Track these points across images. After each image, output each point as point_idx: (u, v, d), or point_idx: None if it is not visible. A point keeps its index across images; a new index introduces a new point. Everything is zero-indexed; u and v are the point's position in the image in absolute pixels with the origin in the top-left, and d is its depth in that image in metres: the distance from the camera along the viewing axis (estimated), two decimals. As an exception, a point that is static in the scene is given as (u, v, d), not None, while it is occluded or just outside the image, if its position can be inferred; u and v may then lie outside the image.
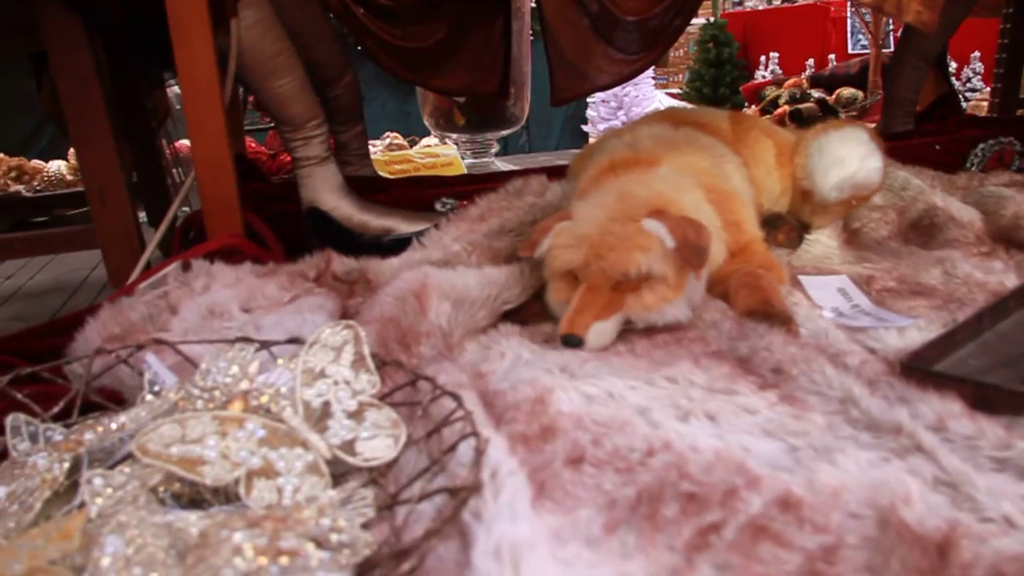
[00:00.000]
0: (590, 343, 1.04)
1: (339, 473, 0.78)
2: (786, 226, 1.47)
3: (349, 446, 0.77)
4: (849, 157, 1.40)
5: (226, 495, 0.72)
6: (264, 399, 0.79)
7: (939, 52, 2.26)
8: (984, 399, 0.84)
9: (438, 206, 1.57)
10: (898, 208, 1.60)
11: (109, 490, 0.66)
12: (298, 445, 0.75)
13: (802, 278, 1.30)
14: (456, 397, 0.79)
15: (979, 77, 5.40)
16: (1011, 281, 1.24)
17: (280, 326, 1.03)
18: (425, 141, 3.46)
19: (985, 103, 3.29)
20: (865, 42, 5.63)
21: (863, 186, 1.41)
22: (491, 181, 1.49)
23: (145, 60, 1.60)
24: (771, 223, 1.46)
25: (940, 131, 2.09)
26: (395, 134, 3.58)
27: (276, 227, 1.55)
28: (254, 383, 0.80)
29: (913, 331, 1.07)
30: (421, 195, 1.66)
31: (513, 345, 1.07)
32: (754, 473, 0.73)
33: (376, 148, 3.42)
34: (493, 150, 3.03)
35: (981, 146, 1.95)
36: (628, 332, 1.11)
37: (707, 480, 0.72)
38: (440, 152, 3.18)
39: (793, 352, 0.97)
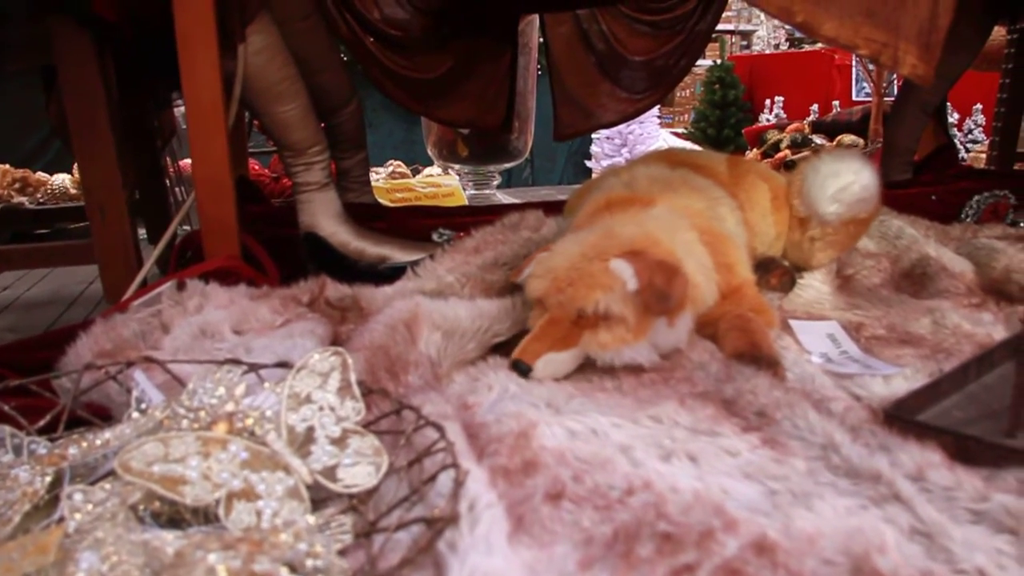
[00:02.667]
0: (538, 372, 1.06)
1: (320, 498, 0.78)
2: (779, 270, 1.48)
3: (331, 472, 0.77)
4: (844, 170, 1.42)
5: (206, 516, 0.73)
6: (249, 422, 0.79)
7: (939, 103, 2.29)
8: (964, 450, 0.84)
9: (435, 236, 1.59)
10: (891, 256, 1.61)
11: (89, 506, 0.67)
12: (280, 469, 0.75)
13: (792, 322, 1.31)
14: (439, 428, 0.79)
15: (980, 129, 5.44)
16: (999, 334, 1.25)
17: (270, 349, 1.04)
18: (428, 171, 3.48)
19: (985, 155, 3.32)
20: (869, 90, 5.69)
21: (860, 199, 1.43)
22: (489, 213, 1.50)
23: (154, 79, 1.62)
24: (764, 267, 1.47)
25: (937, 182, 2.11)
26: (398, 162, 3.60)
27: (274, 250, 1.56)
28: (239, 405, 0.81)
29: (899, 380, 1.07)
30: (419, 224, 1.68)
31: (501, 378, 1.07)
32: (731, 516, 0.73)
33: (379, 175, 3.44)
34: (495, 182, 3.05)
35: (976, 198, 1.96)
36: (615, 369, 1.11)
37: (684, 521, 0.73)
38: (442, 182, 3.19)
39: (778, 396, 0.97)
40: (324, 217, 1.51)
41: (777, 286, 1.47)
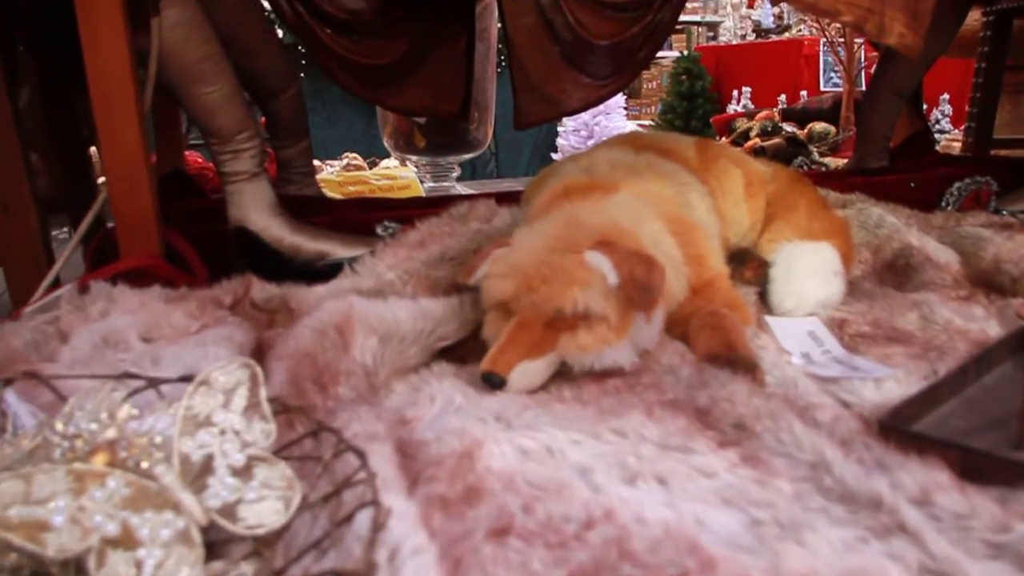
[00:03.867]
0: (513, 384, 0.93)
1: (220, 540, 0.66)
2: (753, 262, 1.37)
3: (231, 510, 0.65)
4: (810, 297, 1.26)
5: (77, 569, 0.60)
6: (134, 451, 0.66)
7: (914, 88, 2.19)
8: (973, 467, 0.73)
9: (379, 230, 1.45)
10: (872, 247, 1.51)
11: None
12: (168, 508, 0.62)
13: (769, 320, 1.20)
14: (360, 454, 0.67)
15: (948, 119, 5.39)
16: (993, 329, 1.15)
17: (180, 360, 0.91)
18: (385, 163, 3.35)
19: (956, 143, 3.25)
20: (837, 79, 5.61)
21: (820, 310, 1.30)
22: (441, 205, 1.37)
23: (77, 65, 1.47)
24: (738, 259, 1.36)
25: (915, 168, 2.02)
26: (354, 155, 3.46)
27: (211, 249, 1.43)
28: (124, 431, 0.68)
29: (891, 383, 0.96)
30: (367, 218, 1.54)
31: (445, 388, 0.95)
32: (708, 554, 0.61)
33: (334, 168, 3.31)
34: (454, 174, 2.92)
35: (957, 185, 1.87)
36: (575, 377, 0.99)
37: (653, 561, 0.61)
38: (398, 174, 3.06)
39: (758, 405, 0.86)
40: (255, 210, 1.37)
41: (752, 280, 1.35)
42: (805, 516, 0.68)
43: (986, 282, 1.36)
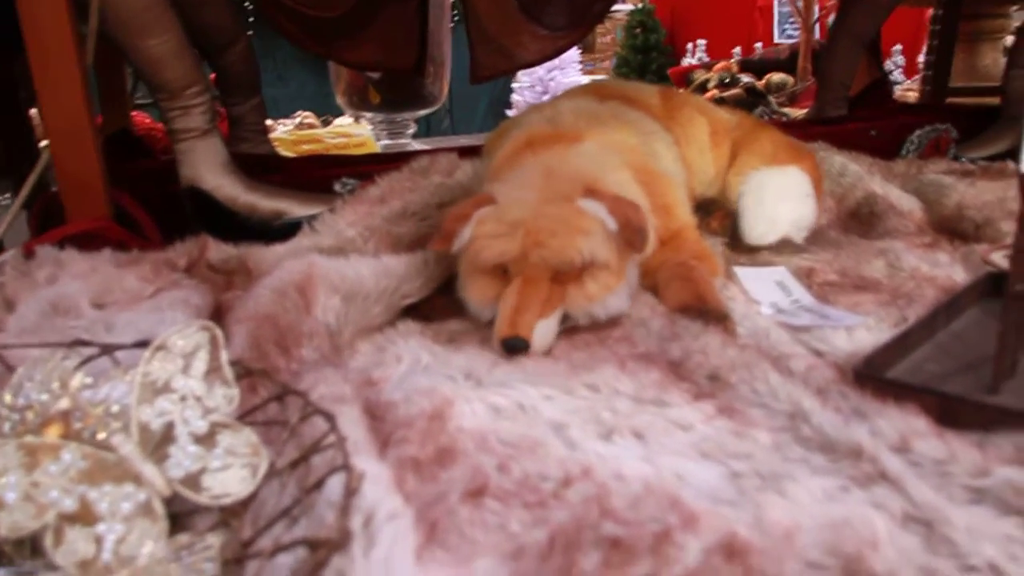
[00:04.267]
0: (536, 345, 0.90)
1: (184, 511, 0.63)
2: (720, 212, 1.35)
3: (195, 479, 0.62)
4: (782, 219, 1.27)
5: (33, 547, 0.57)
6: (90, 421, 0.63)
7: (873, 35, 2.18)
8: (950, 412, 0.72)
9: (337, 187, 1.41)
10: (836, 195, 1.50)
11: None
12: (128, 480, 0.59)
13: (737, 270, 1.19)
14: (329, 417, 0.64)
15: (900, 70, 5.41)
16: (959, 275, 1.15)
17: (134, 326, 0.87)
18: (339, 121, 3.28)
19: (911, 93, 3.26)
20: (791, 31, 5.61)
21: (790, 241, 1.29)
22: (400, 160, 1.33)
23: (3, 19, 1.39)
24: (704, 209, 1.34)
25: (874, 117, 2.01)
26: (307, 113, 3.38)
27: (162, 211, 1.38)
28: (78, 400, 0.64)
29: (862, 331, 0.96)
30: (322, 175, 1.50)
31: (412, 347, 0.93)
32: (690, 509, 0.60)
33: (287, 127, 3.23)
34: (410, 131, 2.86)
35: (917, 133, 1.87)
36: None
37: (634, 518, 0.59)
38: (353, 132, 2.99)
39: (732, 356, 0.84)
40: (207, 168, 1.32)
41: (719, 230, 1.34)
42: (785, 467, 0.67)
43: (949, 229, 1.37)
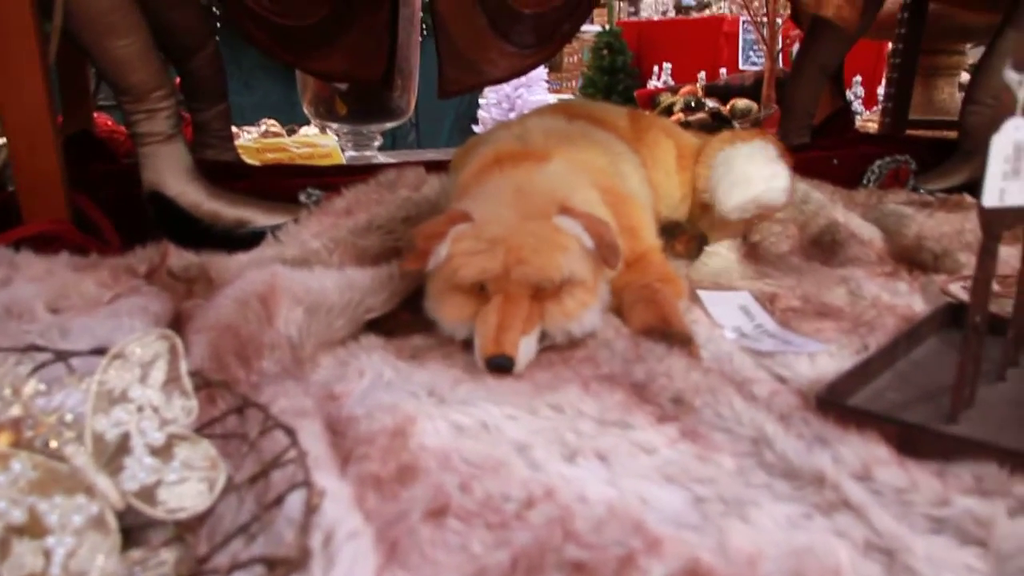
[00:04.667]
0: (520, 363, 0.90)
1: (138, 525, 0.61)
2: (684, 235, 1.36)
3: (149, 492, 0.60)
4: (756, 177, 1.28)
5: (-19, 560, 0.55)
6: (43, 429, 0.61)
7: (837, 65, 2.21)
8: (910, 441, 0.73)
9: (302, 197, 1.39)
10: (799, 222, 1.51)
11: None
12: (80, 492, 0.58)
13: (701, 293, 1.19)
14: (290, 431, 0.63)
15: (860, 101, 5.51)
16: (918, 305, 1.16)
17: (91, 332, 0.85)
18: (305, 131, 3.25)
19: (871, 124, 3.31)
20: (756, 58, 5.69)
21: (767, 207, 1.31)
22: (367, 173, 1.32)
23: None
24: (669, 232, 1.35)
25: (836, 146, 2.04)
26: (272, 121, 3.35)
27: (122, 215, 1.35)
28: (30, 408, 0.62)
29: (824, 357, 0.96)
30: (288, 185, 1.48)
31: (374, 362, 0.92)
32: (654, 534, 0.59)
33: (251, 135, 3.20)
34: (376, 143, 2.85)
35: (878, 163, 1.89)
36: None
37: (597, 542, 0.59)
38: (319, 142, 2.97)
39: (696, 379, 0.85)
40: (171, 174, 1.29)
41: (684, 253, 1.35)
42: (749, 492, 0.67)
43: (908, 258, 1.39)
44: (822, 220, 1.49)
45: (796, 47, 2.30)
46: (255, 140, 3.03)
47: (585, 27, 6.71)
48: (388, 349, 0.98)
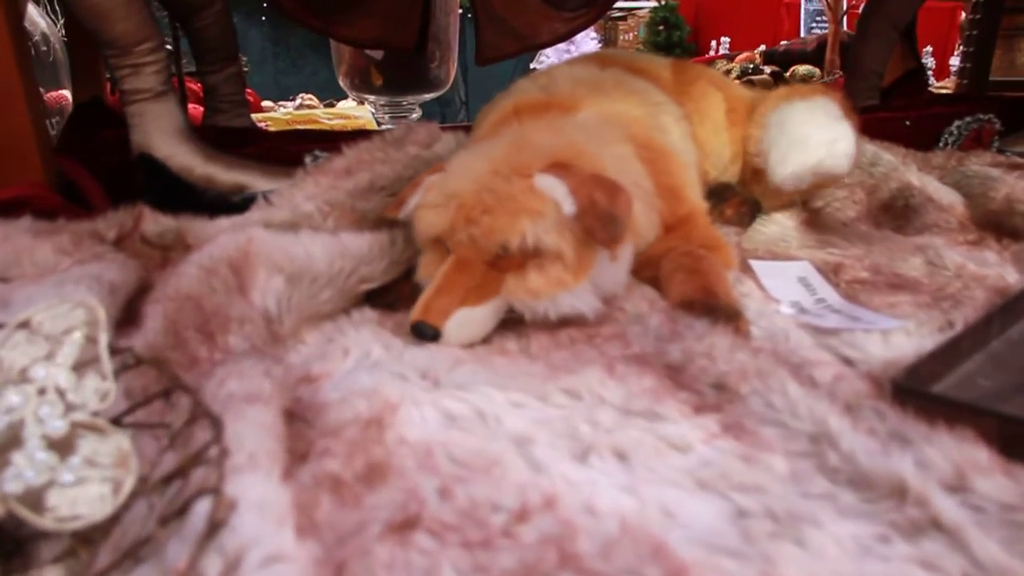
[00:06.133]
0: (450, 335, 0.77)
1: (25, 536, 0.49)
2: (735, 199, 1.20)
3: (36, 496, 0.47)
4: (814, 140, 1.12)
5: None
6: (-87, 417, 0.49)
7: (909, 22, 2.02)
8: (1014, 440, 0.57)
9: (308, 160, 1.27)
10: (867, 187, 1.34)
11: None
12: (-54, 496, 0.46)
13: (754, 263, 1.04)
14: (216, 422, 0.50)
15: (931, 72, 5.23)
16: (1011, 275, 0.99)
17: (32, 302, 0.73)
18: (342, 104, 3.14)
19: (946, 91, 3.09)
20: (818, 30, 5.43)
21: (828, 176, 1.15)
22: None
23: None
24: (718, 195, 1.19)
25: (908, 106, 1.85)
26: (309, 96, 3.25)
27: (121, 181, 1.24)
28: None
29: (900, 336, 0.80)
30: (299, 150, 1.35)
31: (363, 338, 0.79)
32: (678, 559, 0.45)
33: (286, 108, 3.09)
34: (414, 115, 2.71)
35: (957, 123, 1.71)
36: (521, 324, 0.83)
37: (603, 569, 0.45)
38: (352, 114, 2.85)
39: (743, 361, 0.69)
40: (160, 135, 1.17)
41: (733, 218, 1.19)
42: (806, 505, 0.52)
43: (996, 224, 1.21)
44: (894, 183, 1.31)
45: (863, 8, 2.11)
46: (288, 113, 2.93)
47: (641, 3, 6.52)
48: (384, 324, 0.85)
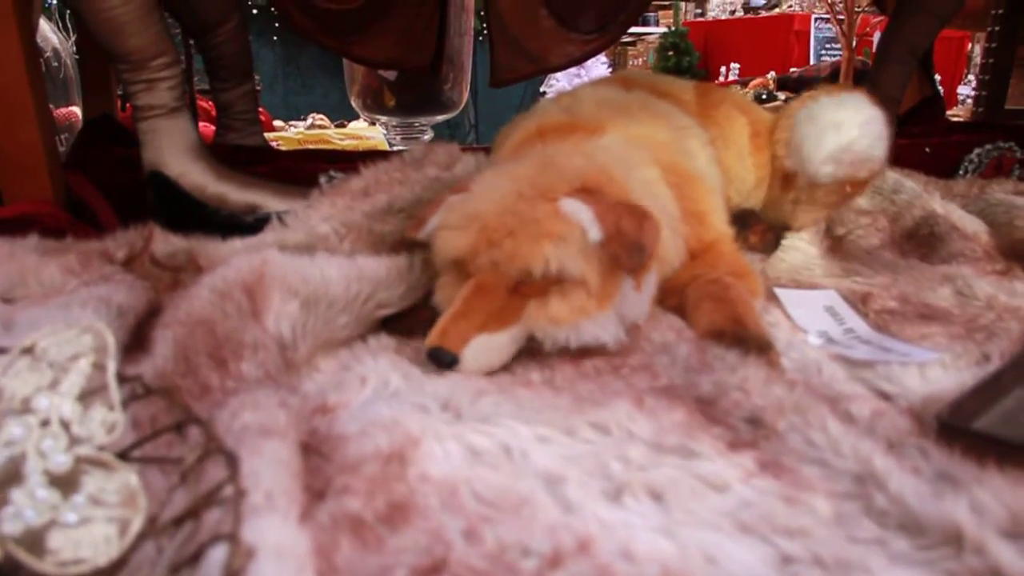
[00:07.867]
0: (467, 362, 0.74)
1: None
2: (760, 225, 1.18)
3: (37, 537, 0.45)
4: (848, 121, 1.09)
5: None
6: (-86, 449, 0.46)
7: (926, 49, 2.00)
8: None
9: (323, 180, 1.25)
10: (890, 214, 1.32)
11: None
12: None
13: (780, 292, 1.01)
14: (231, 459, 0.47)
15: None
16: (1044, 307, 0.96)
17: (36, 325, 0.70)
18: (354, 125, 3.13)
19: (957, 120, 3.07)
20: (827, 58, 5.43)
21: (864, 158, 1.11)
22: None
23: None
24: (741, 221, 1.16)
25: (928, 134, 1.82)
26: (320, 115, 3.24)
27: (141, 202, 1.22)
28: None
29: (936, 369, 0.77)
30: (314, 169, 1.33)
31: (381, 367, 0.76)
32: (725, 611, 0.42)
33: (297, 128, 3.08)
34: (427, 136, 2.69)
35: (977, 151, 1.68)
36: (544, 354, 0.80)
37: (646, 622, 0.42)
38: (364, 135, 2.84)
39: (778, 395, 0.67)
40: (172, 152, 1.15)
41: (758, 245, 1.16)
42: (855, 551, 0.49)
43: (1022, 254, 1.18)
44: (917, 211, 1.29)
45: (876, 36, 2.09)
46: (298, 132, 2.92)
47: (650, 28, 6.54)
48: (402, 352, 0.82)
